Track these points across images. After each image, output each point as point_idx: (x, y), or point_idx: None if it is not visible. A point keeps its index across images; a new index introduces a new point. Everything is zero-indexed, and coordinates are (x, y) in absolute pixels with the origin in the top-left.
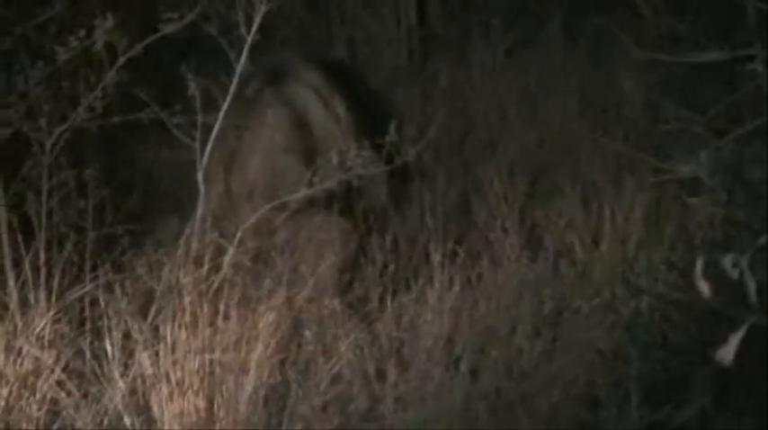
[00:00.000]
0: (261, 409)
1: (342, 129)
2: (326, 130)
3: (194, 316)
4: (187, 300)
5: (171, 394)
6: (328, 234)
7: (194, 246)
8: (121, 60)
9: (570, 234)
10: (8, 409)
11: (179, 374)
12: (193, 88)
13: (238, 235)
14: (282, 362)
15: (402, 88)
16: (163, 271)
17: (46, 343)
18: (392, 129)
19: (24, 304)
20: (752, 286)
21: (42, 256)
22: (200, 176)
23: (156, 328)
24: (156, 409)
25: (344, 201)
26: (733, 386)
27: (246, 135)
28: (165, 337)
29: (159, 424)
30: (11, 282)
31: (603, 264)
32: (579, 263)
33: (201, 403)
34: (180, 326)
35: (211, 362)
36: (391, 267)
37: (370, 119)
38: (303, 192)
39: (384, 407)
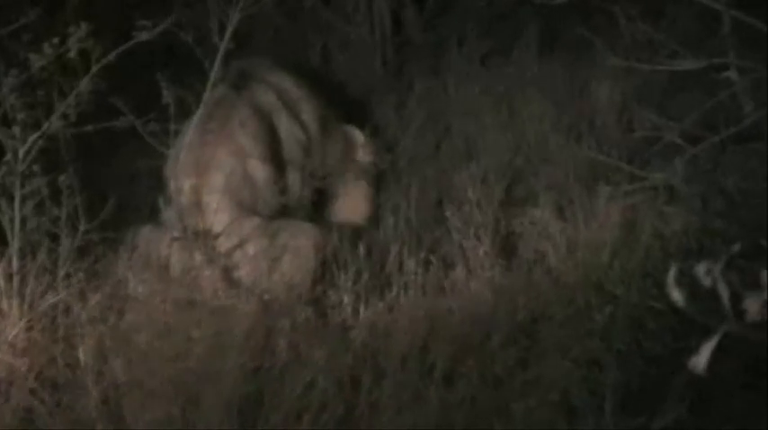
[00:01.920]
0: (235, 417)
1: (307, 135)
2: (291, 136)
3: (167, 324)
4: (161, 307)
5: (144, 402)
6: (302, 242)
7: (165, 253)
8: (95, 68)
9: (545, 241)
10: None
11: (152, 382)
12: (168, 96)
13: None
14: (256, 370)
15: (377, 96)
16: (135, 278)
17: (19, 351)
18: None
19: None
20: (725, 294)
21: (15, 264)
22: (172, 184)
23: (130, 336)
24: (129, 417)
25: (318, 208)
26: (708, 393)
27: (215, 140)
28: (138, 345)
29: None
30: None
31: (578, 271)
32: (554, 270)
33: (175, 411)
34: (153, 333)
35: (185, 370)
36: (365, 275)
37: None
38: (275, 200)
39: (358, 415)
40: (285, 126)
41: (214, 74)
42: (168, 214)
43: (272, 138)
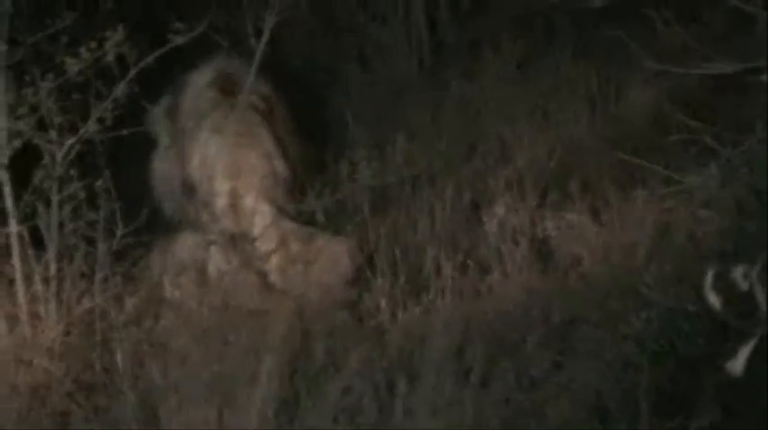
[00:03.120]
0: (271, 421)
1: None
2: (287, 139)
3: (204, 327)
4: (197, 311)
5: (180, 405)
6: (337, 246)
7: (201, 256)
8: (132, 72)
9: (580, 245)
10: (19, 421)
11: (189, 386)
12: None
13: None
14: (292, 374)
15: (412, 98)
16: (171, 282)
17: (56, 355)
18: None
19: (35, 316)
20: (762, 297)
21: (53, 268)
22: (205, 187)
23: (166, 340)
24: (165, 421)
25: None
26: (743, 397)
27: (246, 143)
28: (174, 349)
29: None
30: (21, 295)
31: (613, 275)
32: (589, 274)
33: (211, 414)
34: (190, 337)
35: (221, 373)
36: (402, 278)
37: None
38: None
39: (394, 419)
40: (282, 130)
41: (252, 77)
42: (205, 218)
43: (286, 141)
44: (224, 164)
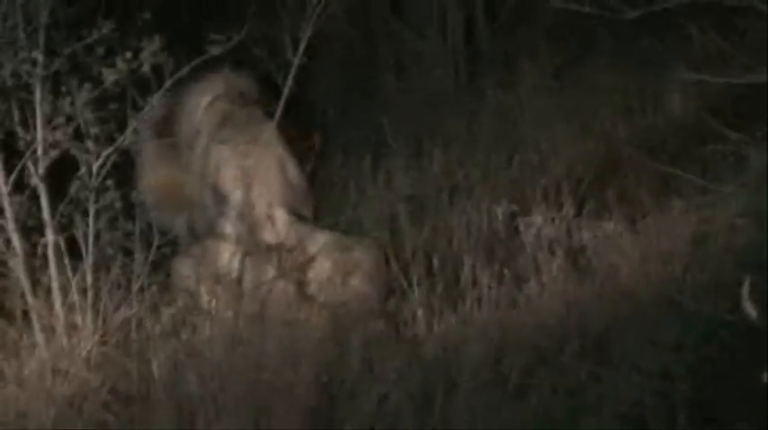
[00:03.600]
0: None
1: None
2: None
3: (238, 337)
4: (233, 321)
5: (217, 414)
6: (375, 256)
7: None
8: (168, 82)
9: (617, 255)
10: None
11: (225, 395)
12: None
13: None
14: (329, 383)
15: (449, 108)
16: (207, 292)
17: (93, 365)
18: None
19: (71, 327)
20: None
21: (89, 279)
22: (237, 195)
23: (202, 350)
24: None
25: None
26: None
27: (260, 151)
28: (211, 358)
29: None
30: (58, 305)
31: (650, 284)
32: (626, 283)
33: (248, 424)
34: (226, 346)
35: (257, 383)
36: (438, 288)
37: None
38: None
39: (431, 428)
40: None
41: (287, 88)
42: (226, 227)
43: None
44: (246, 174)
